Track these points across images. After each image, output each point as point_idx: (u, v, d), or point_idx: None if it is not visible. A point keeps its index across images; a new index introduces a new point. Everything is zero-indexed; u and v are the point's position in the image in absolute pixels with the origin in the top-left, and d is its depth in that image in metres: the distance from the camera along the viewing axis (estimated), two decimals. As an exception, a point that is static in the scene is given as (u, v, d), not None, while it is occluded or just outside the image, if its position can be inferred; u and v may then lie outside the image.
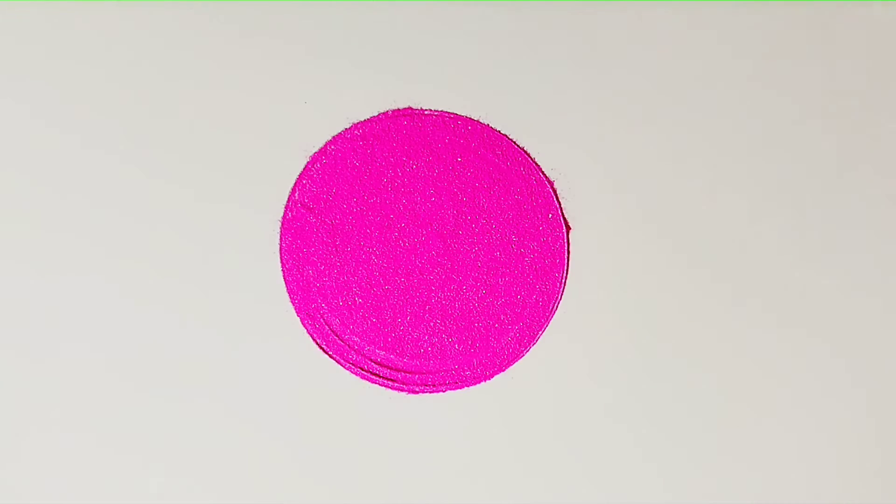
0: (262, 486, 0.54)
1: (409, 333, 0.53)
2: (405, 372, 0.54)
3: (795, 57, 0.53)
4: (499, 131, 0.53)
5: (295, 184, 0.53)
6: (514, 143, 0.53)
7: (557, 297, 0.53)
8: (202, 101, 0.53)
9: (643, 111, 0.53)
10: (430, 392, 0.54)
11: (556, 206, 0.53)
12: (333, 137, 0.53)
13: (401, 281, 0.53)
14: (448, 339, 0.53)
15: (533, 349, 0.53)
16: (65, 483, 0.54)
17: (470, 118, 0.53)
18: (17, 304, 0.53)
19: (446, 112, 0.53)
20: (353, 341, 0.53)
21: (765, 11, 0.53)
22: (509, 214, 0.53)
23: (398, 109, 0.53)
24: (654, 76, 0.53)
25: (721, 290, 0.53)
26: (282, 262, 0.53)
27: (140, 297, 0.53)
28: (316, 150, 0.53)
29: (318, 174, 0.53)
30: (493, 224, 0.53)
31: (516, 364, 0.53)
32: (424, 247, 0.53)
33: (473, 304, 0.53)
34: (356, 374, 0.53)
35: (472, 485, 0.54)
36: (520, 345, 0.54)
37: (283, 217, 0.53)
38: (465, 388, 0.54)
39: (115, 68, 0.53)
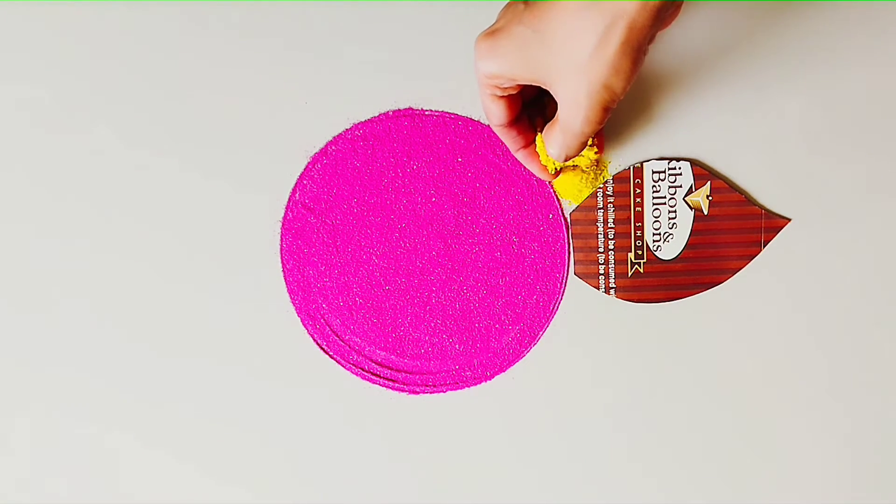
0: (262, 484, 0.54)
1: (410, 334, 0.53)
2: (406, 372, 0.54)
3: (798, 58, 0.53)
4: (499, 131, 0.53)
5: (296, 184, 0.53)
6: (515, 143, 0.53)
7: (557, 297, 0.53)
8: (203, 102, 0.53)
9: (643, 111, 0.53)
10: (431, 392, 0.54)
11: (556, 206, 0.53)
12: (334, 138, 0.53)
13: (401, 281, 0.53)
14: (449, 340, 0.53)
15: (533, 349, 0.53)
16: (67, 480, 0.54)
17: (470, 118, 0.53)
18: (18, 307, 0.54)
19: (447, 112, 0.53)
20: (354, 342, 0.53)
21: (757, 14, 0.52)
22: (509, 214, 0.53)
23: (399, 110, 0.53)
24: (653, 76, 0.53)
25: (721, 289, 0.53)
26: (282, 262, 0.53)
27: (141, 297, 0.53)
28: (317, 150, 0.53)
29: (319, 175, 0.53)
30: (493, 224, 0.53)
31: (516, 364, 0.53)
32: (424, 247, 0.53)
33: (474, 305, 0.53)
34: (357, 374, 0.53)
35: (472, 484, 0.54)
36: (520, 345, 0.53)
37: (284, 217, 0.53)
38: (466, 388, 0.53)
39: (116, 70, 0.53)
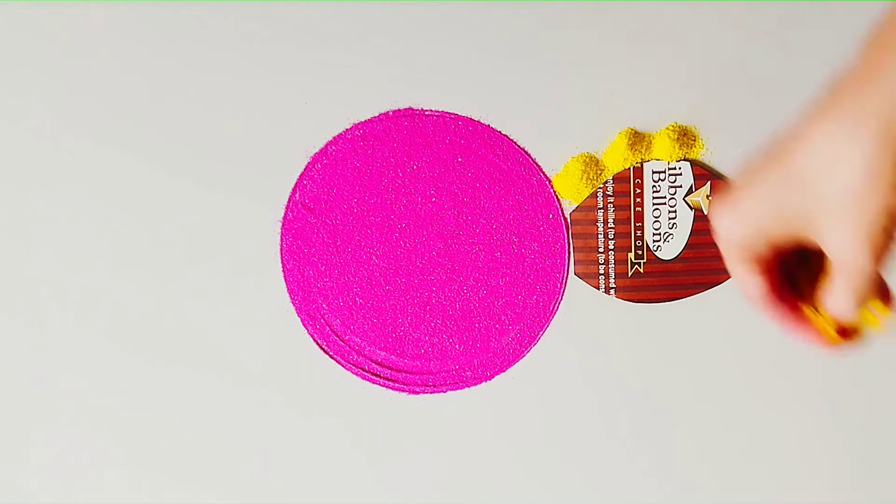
0: (263, 485, 0.54)
1: (410, 334, 0.53)
2: (406, 372, 0.54)
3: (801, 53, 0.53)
4: (499, 132, 0.53)
5: (296, 184, 0.53)
6: (515, 143, 0.53)
7: (557, 297, 0.53)
8: (203, 102, 0.53)
9: (643, 111, 0.53)
10: (431, 392, 0.54)
11: (556, 206, 0.53)
12: (334, 138, 0.53)
13: (401, 281, 0.53)
14: (448, 340, 0.53)
15: (533, 349, 0.53)
16: (68, 483, 0.54)
17: (470, 118, 0.53)
18: (19, 311, 0.54)
19: (447, 112, 0.53)
20: (354, 342, 0.54)
21: (757, 14, 0.52)
22: (509, 214, 0.53)
23: (399, 110, 0.53)
24: (653, 77, 0.53)
25: (721, 289, 0.53)
26: (282, 262, 0.53)
27: (141, 298, 0.53)
28: (317, 150, 0.53)
29: (319, 175, 0.53)
30: (493, 224, 0.53)
31: (516, 364, 0.53)
32: (424, 247, 0.53)
33: (474, 305, 0.53)
34: (357, 374, 0.54)
35: (471, 484, 0.54)
36: (520, 345, 0.53)
37: (284, 217, 0.53)
38: (466, 388, 0.54)
39: (116, 71, 0.53)
